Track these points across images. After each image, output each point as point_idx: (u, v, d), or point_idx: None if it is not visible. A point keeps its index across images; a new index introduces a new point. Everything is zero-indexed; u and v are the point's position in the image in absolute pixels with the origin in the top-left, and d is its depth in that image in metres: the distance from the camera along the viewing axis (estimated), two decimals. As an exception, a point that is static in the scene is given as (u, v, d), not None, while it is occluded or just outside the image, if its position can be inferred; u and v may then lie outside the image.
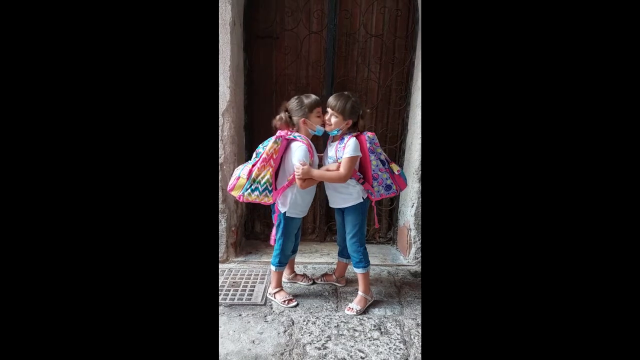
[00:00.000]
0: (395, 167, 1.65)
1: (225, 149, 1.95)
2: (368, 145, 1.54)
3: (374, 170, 1.57)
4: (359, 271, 1.67)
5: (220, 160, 1.95)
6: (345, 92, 1.59)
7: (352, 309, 1.66)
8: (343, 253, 1.81)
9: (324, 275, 1.93)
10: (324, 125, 1.59)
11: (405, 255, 2.16)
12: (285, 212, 1.61)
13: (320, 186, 1.79)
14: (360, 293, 1.69)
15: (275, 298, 1.73)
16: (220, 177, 1.96)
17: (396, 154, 2.22)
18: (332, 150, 1.61)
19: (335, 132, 1.58)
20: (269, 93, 2.16)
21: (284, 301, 1.71)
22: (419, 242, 2.08)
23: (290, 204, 1.60)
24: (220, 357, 1.38)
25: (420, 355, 1.42)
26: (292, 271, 1.90)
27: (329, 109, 1.56)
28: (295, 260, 1.93)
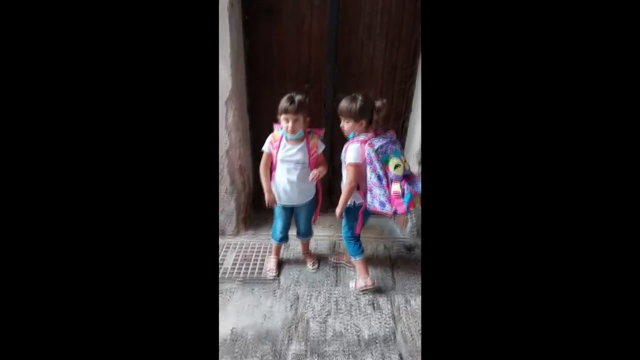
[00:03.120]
0: (395, 187, 1.54)
1: (230, 136, 2.00)
2: (366, 155, 1.54)
3: (368, 183, 1.58)
4: (353, 259, 1.87)
5: (227, 146, 2.02)
6: (353, 94, 1.57)
7: (350, 286, 1.89)
8: None
9: (337, 254, 2.12)
10: (287, 130, 1.60)
11: (402, 229, 2.34)
12: None
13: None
14: (360, 276, 1.88)
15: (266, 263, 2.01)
16: (226, 162, 2.05)
17: (398, 132, 2.24)
18: (343, 150, 1.66)
19: (352, 135, 1.61)
20: (269, 73, 2.12)
21: (268, 270, 1.98)
22: (414, 219, 2.24)
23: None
24: (238, 330, 1.65)
25: (405, 330, 1.68)
26: (305, 250, 2.09)
27: (340, 116, 1.59)
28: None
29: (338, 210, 1.71)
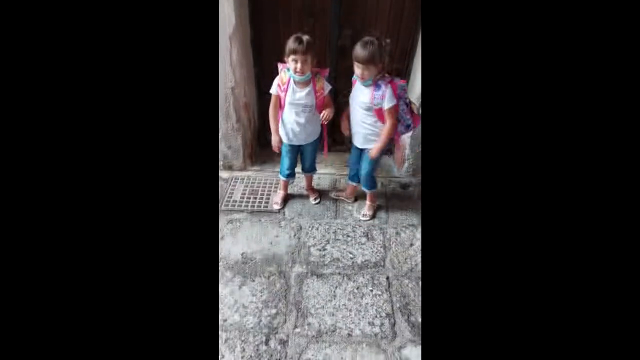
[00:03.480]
0: (415, 107, 1.80)
1: (235, 74, 2.03)
2: (398, 92, 1.69)
3: (399, 114, 1.74)
4: (369, 191, 2.07)
5: (232, 84, 2.06)
6: (367, 38, 1.57)
7: (366, 215, 2.11)
8: (353, 178, 2.12)
9: (338, 190, 2.28)
10: (296, 71, 1.63)
11: (399, 168, 2.47)
12: None
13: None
14: (368, 202, 2.12)
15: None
16: (232, 100, 2.11)
17: (403, 73, 2.24)
18: (364, 95, 1.70)
19: (370, 81, 1.65)
20: (274, 7, 2.05)
21: (274, 202, 2.17)
22: (411, 159, 2.36)
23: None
24: (247, 254, 1.89)
25: (394, 258, 1.92)
26: (309, 186, 2.25)
27: (357, 63, 1.60)
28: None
29: (375, 151, 1.81)
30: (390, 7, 2.03)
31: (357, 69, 1.62)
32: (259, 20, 2.09)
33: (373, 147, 1.82)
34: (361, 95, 1.72)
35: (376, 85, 1.66)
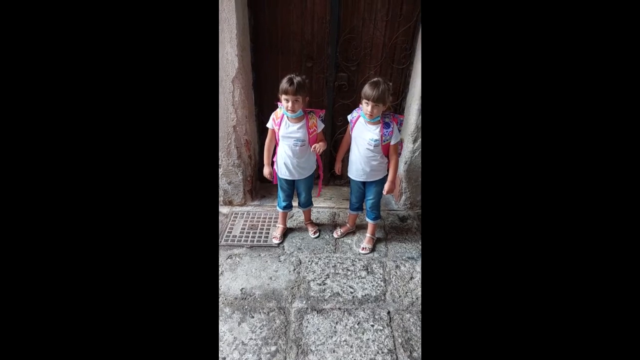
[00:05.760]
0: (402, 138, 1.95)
1: (237, 113, 2.12)
2: (397, 125, 1.83)
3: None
4: (373, 222, 2.11)
5: (234, 122, 2.15)
6: (375, 79, 1.69)
7: (366, 248, 2.12)
8: (355, 209, 2.17)
9: (340, 227, 2.27)
10: (288, 109, 1.74)
11: (397, 202, 2.51)
12: None
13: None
14: (368, 235, 2.14)
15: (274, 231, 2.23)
16: (234, 137, 2.19)
17: (397, 110, 2.35)
18: (372, 133, 1.79)
19: (378, 118, 1.76)
20: (274, 51, 2.19)
21: (273, 237, 2.18)
22: (408, 192, 2.40)
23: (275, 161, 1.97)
24: (247, 290, 1.88)
25: (394, 291, 1.90)
26: (307, 219, 2.29)
27: (368, 101, 1.69)
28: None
29: (390, 186, 1.90)
30: (382, 51, 2.17)
31: (367, 107, 1.71)
32: (260, 64, 2.22)
33: (387, 184, 1.90)
34: (369, 133, 1.80)
35: (385, 123, 1.78)
